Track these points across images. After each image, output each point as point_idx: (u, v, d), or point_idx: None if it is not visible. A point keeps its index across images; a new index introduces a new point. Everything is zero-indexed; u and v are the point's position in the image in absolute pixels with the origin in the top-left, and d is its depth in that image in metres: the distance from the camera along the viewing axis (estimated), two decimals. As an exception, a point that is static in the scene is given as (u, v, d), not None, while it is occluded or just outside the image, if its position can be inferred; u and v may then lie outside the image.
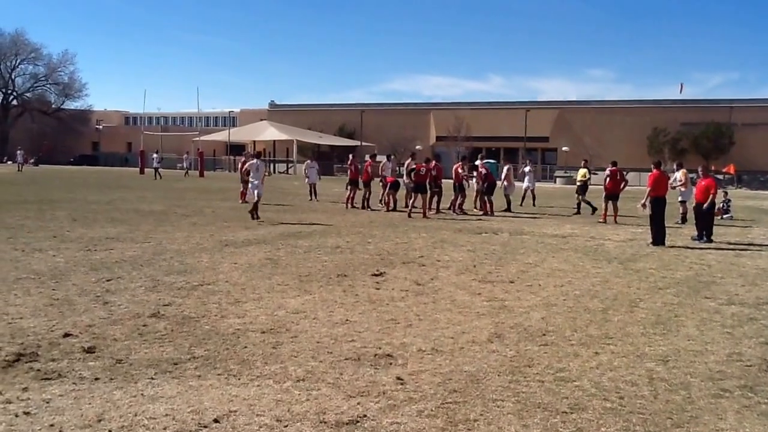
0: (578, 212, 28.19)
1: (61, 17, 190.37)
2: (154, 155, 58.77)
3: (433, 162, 26.74)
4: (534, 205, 31.84)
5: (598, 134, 79.66)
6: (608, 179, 24.82)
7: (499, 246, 17.23)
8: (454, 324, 9.13)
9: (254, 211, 22.64)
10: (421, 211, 24.86)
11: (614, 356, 7.82)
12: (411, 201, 25.47)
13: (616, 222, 23.87)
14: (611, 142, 75.94)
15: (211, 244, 16.09)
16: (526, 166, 35.17)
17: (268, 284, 11.49)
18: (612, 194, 24.62)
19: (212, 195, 35.40)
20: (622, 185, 25.05)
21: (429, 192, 25.60)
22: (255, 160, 24.14)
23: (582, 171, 29.69)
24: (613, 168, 25.22)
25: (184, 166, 66.21)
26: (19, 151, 69.51)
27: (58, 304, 9.60)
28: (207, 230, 18.92)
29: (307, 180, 33.48)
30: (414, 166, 25.95)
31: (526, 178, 33.16)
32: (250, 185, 23.87)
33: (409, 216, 24.36)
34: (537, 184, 35.47)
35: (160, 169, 55.79)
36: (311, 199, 31.77)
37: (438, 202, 27.09)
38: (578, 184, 29.69)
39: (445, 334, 8.61)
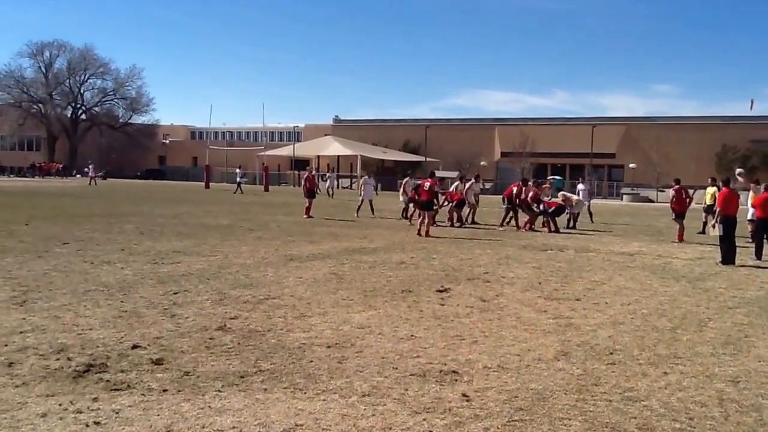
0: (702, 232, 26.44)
1: (128, 33, 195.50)
2: (237, 170, 59.75)
3: (432, 179, 25.01)
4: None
5: (666, 151, 78.23)
6: (674, 199, 24.39)
7: (565, 263, 17.06)
8: (519, 341, 9.06)
9: (406, 215, 29.38)
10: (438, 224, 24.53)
11: (683, 376, 7.67)
12: (413, 214, 24.95)
13: (683, 241, 23.43)
14: (679, 159, 74.59)
15: (277, 259, 16.21)
16: (579, 183, 34.93)
17: (333, 299, 11.52)
18: (680, 213, 24.16)
19: (276, 210, 35.72)
20: (688, 203, 24.62)
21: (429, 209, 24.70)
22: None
23: (711, 190, 26.32)
24: (677, 187, 24.75)
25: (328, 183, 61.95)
26: (90, 165, 71.27)
27: (126, 316, 9.75)
28: (272, 244, 19.06)
29: (361, 195, 33.17)
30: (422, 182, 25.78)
31: (580, 195, 32.88)
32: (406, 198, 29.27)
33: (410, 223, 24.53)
34: (604, 202, 34.99)
35: (242, 184, 56.71)
36: (357, 215, 31.54)
37: (531, 221, 27.08)
38: (706, 205, 26.96)
39: (511, 351, 8.54)
